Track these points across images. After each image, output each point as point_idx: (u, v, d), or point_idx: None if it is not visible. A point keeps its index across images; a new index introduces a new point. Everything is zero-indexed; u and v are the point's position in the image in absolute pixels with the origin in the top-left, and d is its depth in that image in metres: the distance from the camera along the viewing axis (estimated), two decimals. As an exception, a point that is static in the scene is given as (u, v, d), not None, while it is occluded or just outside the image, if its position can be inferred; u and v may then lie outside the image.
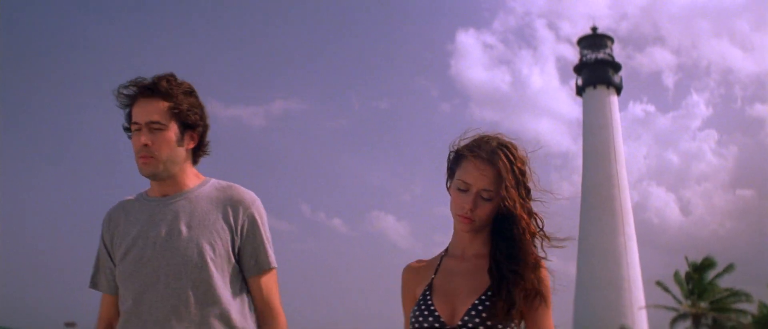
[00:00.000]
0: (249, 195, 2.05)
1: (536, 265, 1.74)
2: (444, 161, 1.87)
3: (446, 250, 1.91)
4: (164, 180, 2.00)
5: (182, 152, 2.01)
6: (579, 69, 49.68)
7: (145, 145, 1.94)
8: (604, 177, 44.89)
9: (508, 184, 1.73)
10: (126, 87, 1.98)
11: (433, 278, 1.83)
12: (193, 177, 2.06)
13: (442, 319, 1.72)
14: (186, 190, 2.02)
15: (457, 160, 1.82)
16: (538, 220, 1.78)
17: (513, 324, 1.72)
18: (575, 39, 51.99)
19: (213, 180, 2.08)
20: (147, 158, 1.95)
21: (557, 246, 1.80)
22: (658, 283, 33.98)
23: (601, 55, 49.15)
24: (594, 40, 49.77)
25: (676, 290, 33.04)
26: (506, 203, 1.73)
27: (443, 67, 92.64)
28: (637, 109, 77.72)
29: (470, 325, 1.69)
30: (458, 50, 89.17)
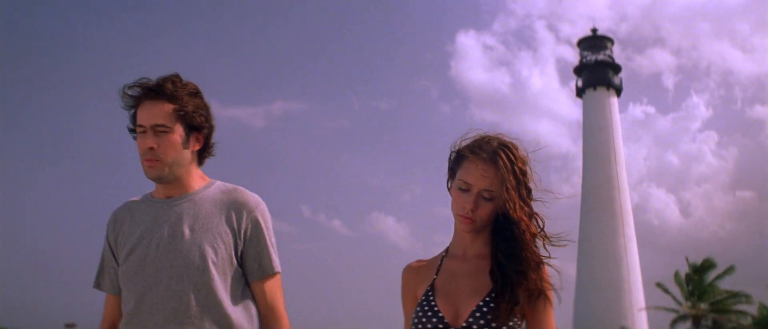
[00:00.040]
0: (253, 198, 2.03)
1: (538, 265, 1.75)
2: (444, 162, 1.88)
3: (447, 250, 1.90)
4: (170, 182, 1.99)
5: (188, 154, 2.00)
6: (579, 70, 49.68)
7: (151, 149, 1.93)
8: (604, 179, 44.88)
9: (509, 185, 1.73)
10: (130, 88, 1.96)
11: (434, 278, 1.83)
12: (198, 179, 2.05)
13: (446, 320, 1.72)
14: (191, 192, 2.01)
15: (458, 160, 1.82)
16: (539, 220, 1.78)
17: (515, 324, 1.72)
18: (575, 40, 52.08)
19: (218, 183, 2.07)
20: (152, 161, 1.94)
21: (557, 245, 1.79)
22: (658, 285, 33.97)
23: (601, 57, 49.15)
24: (594, 42, 49.76)
25: (676, 291, 33.03)
26: (506, 204, 1.73)
27: (443, 68, 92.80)
28: (637, 110, 77.90)
29: (475, 326, 1.69)
30: (458, 51, 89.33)
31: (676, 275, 33.16)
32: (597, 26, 51.67)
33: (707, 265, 32.50)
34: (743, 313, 31.31)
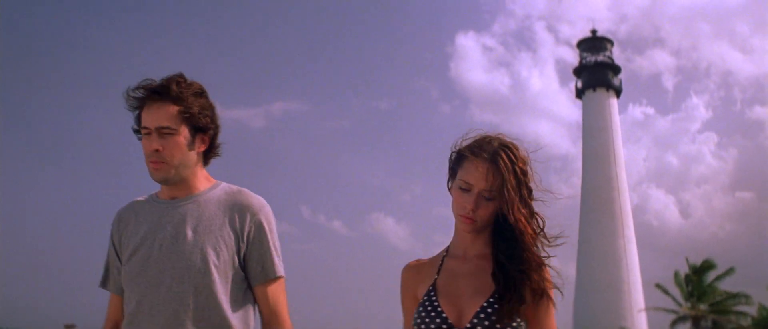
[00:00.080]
0: (258, 201, 2.01)
1: (540, 265, 1.75)
2: (444, 162, 1.88)
3: (447, 250, 1.90)
4: (175, 184, 1.98)
5: (193, 156, 1.98)
6: (578, 71, 49.70)
7: (156, 151, 1.91)
8: (603, 180, 44.89)
9: (509, 185, 1.73)
10: (135, 90, 1.94)
11: (436, 278, 1.83)
12: (203, 180, 2.03)
13: (449, 321, 1.72)
14: (195, 194, 2.00)
15: (458, 160, 1.82)
16: (540, 220, 1.78)
17: (519, 324, 1.73)
18: (575, 41, 52.08)
19: (223, 185, 2.05)
20: (158, 164, 1.92)
21: (552, 245, 1.79)
22: (658, 286, 33.97)
23: (600, 58, 49.18)
24: (593, 43, 49.78)
25: (675, 292, 33.04)
26: (506, 204, 1.73)
27: (443, 68, 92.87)
28: (637, 111, 77.96)
29: (479, 327, 1.69)
30: (458, 52, 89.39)
31: (676, 275, 33.16)
32: (596, 27, 51.87)
33: (707, 266, 32.51)
34: (743, 314, 31.32)
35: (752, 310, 31.01)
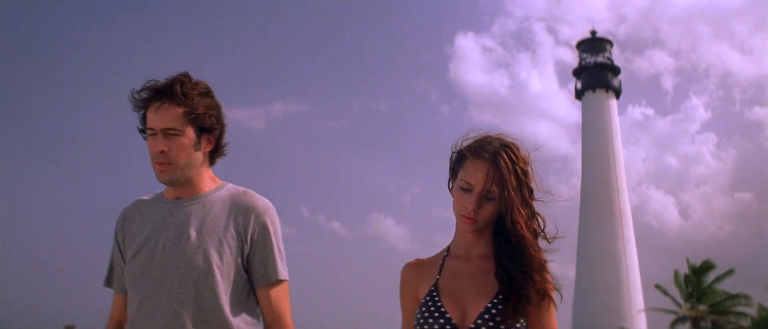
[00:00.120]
0: (263, 202, 1.99)
1: (542, 266, 1.74)
2: (443, 163, 1.87)
3: (448, 250, 1.90)
4: (181, 185, 1.97)
5: (199, 156, 1.97)
6: (578, 72, 49.71)
7: (162, 152, 1.90)
8: (603, 181, 44.89)
9: (510, 186, 1.73)
10: (139, 91, 1.92)
11: (437, 278, 1.82)
12: (209, 180, 2.02)
13: (453, 321, 1.72)
14: (200, 195, 1.98)
15: (459, 160, 1.82)
16: (541, 220, 1.78)
17: (522, 325, 1.73)
18: (574, 42, 52.10)
19: (229, 185, 2.04)
20: (164, 165, 1.91)
21: (552, 249, 1.79)
22: (657, 286, 33.98)
23: (600, 59, 49.18)
24: (593, 44, 49.79)
25: (675, 292, 33.04)
26: (506, 205, 1.73)
27: (442, 69, 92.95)
28: (636, 112, 78.05)
29: (484, 328, 1.69)
30: (457, 53, 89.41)
31: (676, 276, 33.17)
32: (596, 28, 51.95)
33: (706, 267, 32.51)
34: (743, 315, 31.32)
35: (752, 311, 31.02)
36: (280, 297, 1.98)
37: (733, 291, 31.87)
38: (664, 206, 73.73)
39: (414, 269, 1.90)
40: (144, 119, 1.95)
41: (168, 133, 1.90)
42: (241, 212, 1.95)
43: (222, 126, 2.01)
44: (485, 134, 1.82)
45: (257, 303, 2.00)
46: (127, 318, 1.98)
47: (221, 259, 1.90)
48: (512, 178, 1.73)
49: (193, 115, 1.91)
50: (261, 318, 2.00)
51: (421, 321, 1.75)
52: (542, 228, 1.78)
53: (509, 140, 1.80)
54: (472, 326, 1.70)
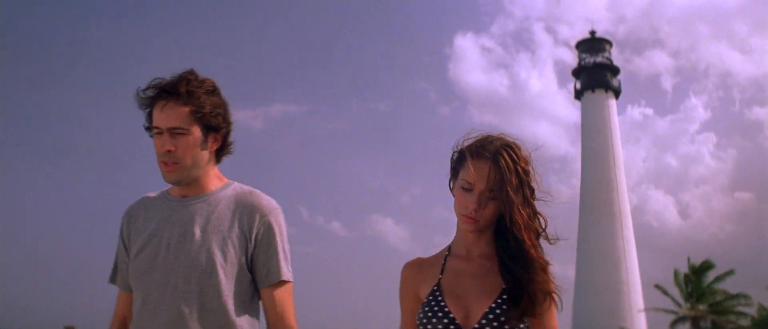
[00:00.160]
0: (268, 202, 1.98)
1: (545, 266, 1.74)
2: (443, 163, 1.87)
3: (449, 250, 1.89)
4: (188, 184, 1.96)
5: (205, 155, 1.96)
6: (577, 72, 49.71)
7: (168, 151, 1.89)
8: (602, 181, 44.89)
9: (510, 185, 1.72)
10: (145, 90, 1.91)
11: (440, 278, 1.82)
12: (215, 179, 2.01)
13: (457, 321, 1.71)
14: (206, 193, 1.97)
15: (460, 159, 1.82)
16: (542, 220, 1.78)
17: (526, 326, 1.73)
18: (573, 43, 52.11)
19: (235, 184, 2.03)
20: (171, 165, 1.90)
21: (550, 243, 1.79)
22: (657, 286, 33.99)
23: (599, 59, 49.18)
24: (592, 44, 49.79)
25: (675, 292, 33.05)
26: (507, 204, 1.72)
27: (442, 70, 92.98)
28: (636, 112, 78.07)
29: (488, 328, 1.69)
30: (457, 53, 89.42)
31: (676, 275, 33.17)
32: (595, 28, 51.94)
33: (706, 267, 32.52)
34: (743, 315, 31.32)
35: (752, 311, 31.01)
36: (284, 298, 1.96)
37: (733, 291, 31.91)
38: (663, 206, 73.85)
39: (415, 268, 1.89)
40: (150, 117, 1.93)
41: (174, 132, 1.89)
42: (246, 211, 1.94)
43: (228, 124, 2.00)
44: (486, 134, 1.82)
45: (260, 303, 1.99)
46: (131, 315, 1.98)
47: (225, 258, 1.89)
48: (513, 178, 1.73)
49: (199, 114, 1.90)
50: (264, 319, 1.99)
51: (425, 320, 1.74)
52: (544, 228, 1.78)
53: (510, 140, 1.80)
54: (476, 326, 1.70)
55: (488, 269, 1.80)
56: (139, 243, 1.96)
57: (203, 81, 1.94)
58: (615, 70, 49.56)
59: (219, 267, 1.87)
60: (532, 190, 1.78)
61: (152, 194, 2.06)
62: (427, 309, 1.76)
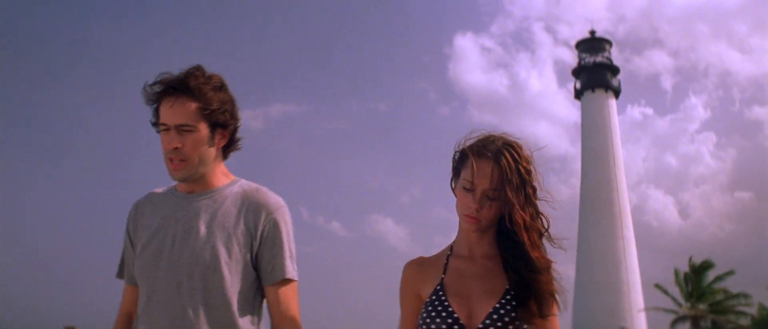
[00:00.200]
0: (275, 200, 1.96)
1: (549, 266, 1.74)
2: (443, 164, 1.87)
3: (451, 249, 1.89)
4: (195, 181, 1.95)
5: (213, 152, 1.95)
6: (577, 72, 49.69)
7: (176, 149, 1.88)
8: (602, 181, 44.88)
9: (511, 185, 1.72)
10: (152, 85, 1.89)
11: (442, 278, 1.81)
12: (221, 176, 2.00)
13: (461, 321, 1.71)
14: (212, 190, 1.96)
15: (462, 159, 1.82)
16: (545, 220, 1.77)
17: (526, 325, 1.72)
18: (573, 42, 52.09)
19: (242, 181, 2.01)
20: (178, 163, 1.89)
21: (553, 244, 1.79)
22: (657, 286, 33.98)
23: (599, 59, 49.17)
24: (592, 44, 49.77)
25: (675, 291, 33.05)
26: (508, 204, 1.72)
27: (441, 70, 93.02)
28: (636, 111, 78.07)
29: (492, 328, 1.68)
30: (456, 53, 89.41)
31: (676, 275, 33.17)
32: (595, 28, 51.85)
33: (706, 266, 32.52)
34: (743, 314, 31.32)
35: (752, 310, 31.00)
36: (288, 296, 1.94)
37: (733, 290, 31.90)
38: (663, 205, 73.85)
39: (416, 267, 1.88)
40: (156, 113, 1.92)
41: (181, 129, 1.87)
42: (252, 208, 1.93)
43: (236, 120, 1.98)
44: (488, 134, 1.82)
45: (264, 301, 1.97)
46: (137, 310, 1.97)
47: (229, 255, 1.88)
48: (515, 178, 1.73)
49: (207, 111, 1.88)
50: (268, 317, 1.97)
51: (428, 320, 1.74)
52: (546, 228, 1.77)
53: (512, 139, 1.80)
54: (480, 326, 1.70)
55: (491, 269, 1.80)
56: (145, 239, 1.95)
57: (210, 76, 1.92)
58: (615, 70, 49.55)
59: (223, 264, 1.86)
60: (534, 190, 1.77)
61: (159, 190, 2.06)
62: (430, 308, 1.75)
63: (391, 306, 1.98)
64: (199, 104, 1.87)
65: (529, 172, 1.76)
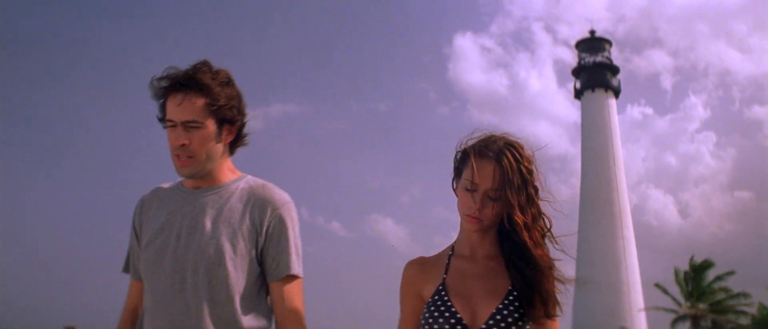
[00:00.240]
0: (281, 196, 1.96)
1: (551, 265, 1.75)
2: (442, 163, 1.87)
3: (452, 249, 1.88)
4: (202, 177, 1.94)
5: (220, 148, 1.94)
6: (577, 72, 49.69)
7: (183, 145, 1.87)
8: (602, 180, 44.88)
9: (513, 186, 1.72)
10: (160, 79, 1.87)
11: (444, 278, 1.81)
12: (228, 172, 1.99)
13: (464, 322, 1.70)
14: (218, 185, 1.95)
15: (464, 159, 1.81)
16: (547, 220, 1.77)
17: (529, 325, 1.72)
18: (573, 42, 52.08)
19: (248, 177, 2.01)
20: (185, 159, 1.88)
21: (555, 244, 1.79)
22: (657, 285, 34.00)
23: (599, 59, 49.16)
24: (592, 44, 49.76)
25: (675, 291, 33.08)
26: (511, 204, 1.72)
27: (441, 70, 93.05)
28: (635, 111, 78.08)
29: None
30: (456, 53, 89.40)
31: (676, 274, 33.19)
32: (594, 28, 51.84)
33: (706, 265, 32.53)
34: (743, 313, 31.33)
35: (752, 310, 31.01)
36: (293, 293, 1.92)
37: (732, 289, 31.90)
38: (663, 205, 73.86)
39: (418, 267, 1.87)
40: (163, 108, 1.90)
41: (188, 126, 1.86)
42: (258, 204, 1.92)
43: (243, 116, 1.97)
44: (490, 133, 1.82)
45: (269, 298, 1.96)
46: (142, 304, 1.96)
47: (234, 250, 1.87)
48: (516, 178, 1.73)
49: (214, 107, 1.87)
50: (272, 317, 1.96)
51: (431, 320, 1.73)
52: (548, 228, 1.77)
53: (514, 139, 1.79)
54: (483, 327, 1.69)
55: (493, 269, 1.79)
56: (150, 234, 1.95)
57: (217, 72, 1.91)
58: (615, 70, 49.54)
59: (228, 259, 1.85)
60: (536, 190, 1.77)
61: (166, 185, 2.05)
62: (433, 308, 1.75)
63: (390, 306, 1.98)
64: (206, 100, 1.86)
65: (530, 172, 1.76)
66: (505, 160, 1.73)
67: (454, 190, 1.84)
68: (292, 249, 1.93)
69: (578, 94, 49.15)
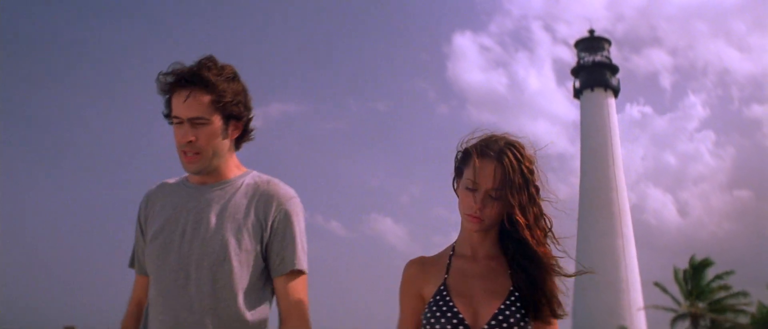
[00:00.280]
0: (286, 191, 1.95)
1: (554, 262, 1.75)
2: (442, 163, 1.87)
3: (453, 249, 1.88)
4: (208, 173, 1.94)
5: (226, 143, 1.93)
6: (576, 71, 49.70)
7: (189, 142, 1.86)
8: (601, 180, 44.89)
9: (514, 185, 1.71)
10: (165, 75, 1.86)
11: (445, 278, 1.81)
12: (233, 167, 1.99)
13: (466, 322, 1.70)
14: (224, 181, 1.95)
15: (464, 159, 1.81)
16: (548, 220, 1.77)
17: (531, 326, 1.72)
18: (572, 41, 52.11)
19: (253, 173, 2.00)
20: (191, 156, 1.88)
21: (557, 244, 1.79)
22: (657, 284, 34.00)
23: (598, 58, 49.15)
24: (591, 43, 49.76)
25: (674, 290, 33.07)
26: (512, 204, 1.71)
27: (440, 69, 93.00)
28: (634, 110, 78.10)
29: None
30: (455, 52, 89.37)
31: (676, 273, 33.19)
32: (594, 27, 51.99)
33: (705, 264, 32.54)
34: (742, 312, 31.34)
35: (751, 309, 31.02)
36: (298, 288, 1.91)
37: (732, 288, 31.91)
38: (662, 204, 73.89)
39: (419, 267, 1.87)
40: (169, 104, 1.90)
41: (195, 123, 1.86)
42: (263, 199, 1.91)
43: (249, 111, 1.96)
44: (491, 133, 1.82)
45: (273, 293, 1.95)
46: (147, 299, 1.96)
47: (239, 246, 1.87)
48: (517, 178, 1.73)
49: (220, 103, 1.87)
50: (277, 309, 1.95)
51: (433, 320, 1.73)
52: (550, 227, 1.77)
53: (515, 139, 1.79)
54: (486, 327, 1.69)
55: (494, 269, 1.79)
56: (155, 229, 1.94)
57: (223, 67, 1.90)
58: (614, 69, 49.54)
59: (232, 255, 1.85)
60: (538, 189, 1.77)
61: (171, 180, 2.05)
62: (434, 308, 1.74)
63: (390, 306, 1.98)
64: (212, 96, 1.85)
65: (531, 172, 1.76)
66: (507, 160, 1.73)
67: (455, 190, 1.84)
68: (298, 244, 1.92)
69: (577, 93, 49.15)
